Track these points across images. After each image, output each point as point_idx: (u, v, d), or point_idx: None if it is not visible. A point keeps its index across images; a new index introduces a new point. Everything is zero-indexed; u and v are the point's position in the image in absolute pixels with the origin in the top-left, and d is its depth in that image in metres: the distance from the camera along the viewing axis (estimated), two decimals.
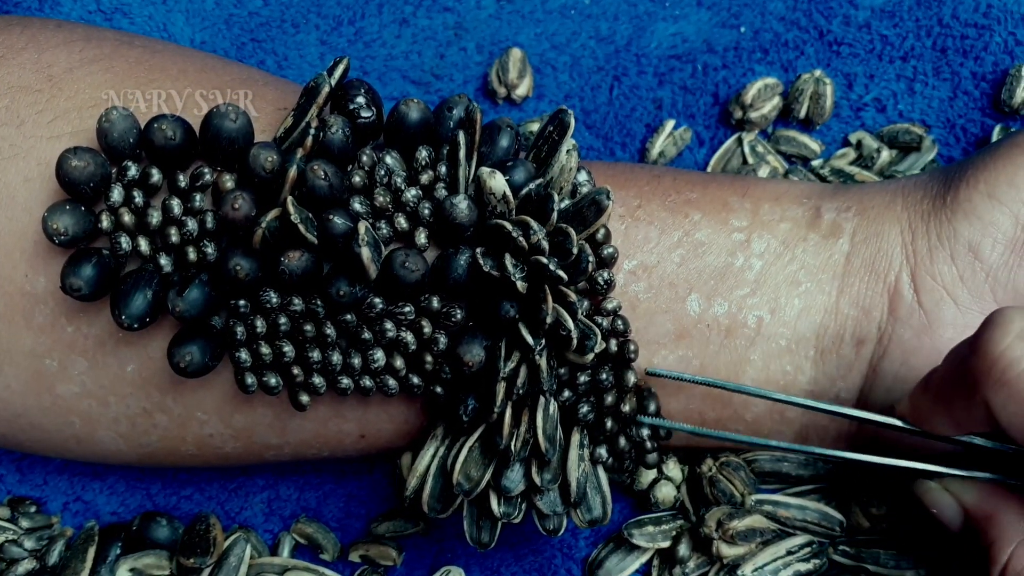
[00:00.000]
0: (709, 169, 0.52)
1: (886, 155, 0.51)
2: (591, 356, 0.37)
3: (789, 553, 0.43)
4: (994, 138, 0.50)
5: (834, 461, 0.39)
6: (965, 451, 0.39)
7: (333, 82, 0.38)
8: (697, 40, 0.54)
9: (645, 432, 0.40)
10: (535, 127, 0.53)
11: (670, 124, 0.53)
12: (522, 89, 0.54)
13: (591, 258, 0.36)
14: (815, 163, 0.52)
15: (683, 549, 0.43)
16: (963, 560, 0.42)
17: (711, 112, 0.54)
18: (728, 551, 0.42)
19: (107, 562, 0.45)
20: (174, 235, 0.36)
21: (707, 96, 0.54)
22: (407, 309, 0.37)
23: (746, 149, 0.52)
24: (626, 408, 0.39)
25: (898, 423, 0.38)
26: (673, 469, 0.45)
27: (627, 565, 0.45)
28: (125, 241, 0.36)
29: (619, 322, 0.38)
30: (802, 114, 0.52)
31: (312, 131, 0.36)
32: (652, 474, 0.44)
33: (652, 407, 0.40)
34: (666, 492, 0.44)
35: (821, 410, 0.39)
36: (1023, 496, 0.37)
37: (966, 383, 0.34)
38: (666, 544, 0.44)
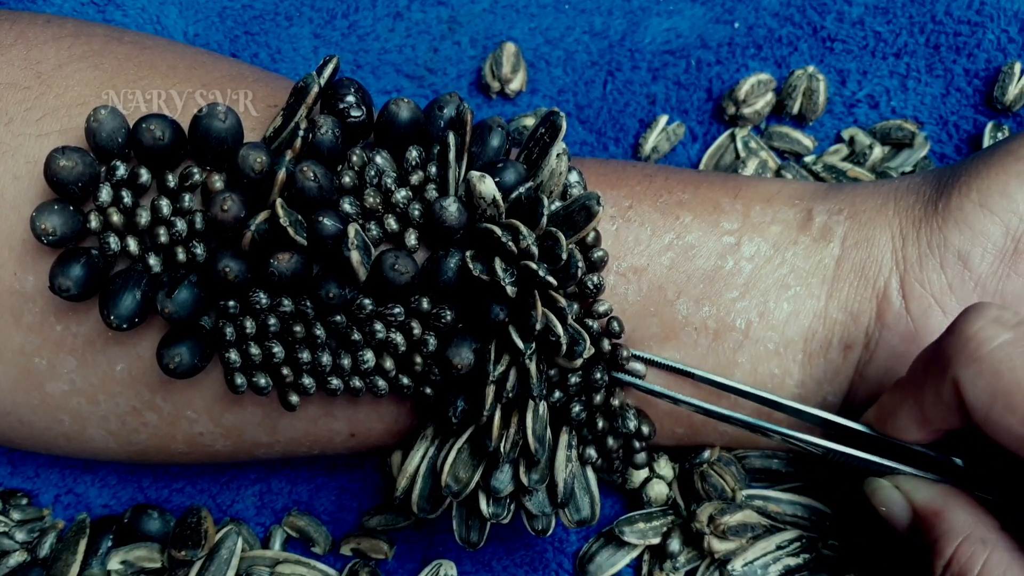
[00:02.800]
0: (702, 165, 0.52)
1: (878, 151, 0.51)
2: (580, 361, 0.37)
3: (779, 548, 0.43)
4: (986, 135, 0.50)
5: (808, 448, 0.39)
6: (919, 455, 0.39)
7: (322, 81, 0.38)
8: (691, 35, 0.54)
9: (632, 425, 0.40)
10: (529, 122, 0.53)
11: (663, 119, 0.53)
12: (516, 84, 0.54)
13: (580, 263, 0.36)
14: (808, 159, 0.52)
15: (674, 544, 0.43)
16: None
17: (704, 108, 0.53)
18: (719, 546, 0.42)
19: (98, 554, 0.45)
20: (163, 235, 0.36)
21: (700, 92, 0.53)
22: (397, 310, 0.37)
23: (739, 145, 0.52)
24: (616, 402, 0.39)
25: (862, 428, 0.39)
26: (664, 467, 0.45)
27: (618, 560, 0.45)
28: (114, 241, 0.36)
29: (615, 324, 0.39)
30: (795, 110, 0.52)
31: (301, 132, 0.36)
32: (644, 473, 0.45)
33: (647, 429, 0.40)
34: (658, 490, 0.44)
35: (788, 409, 0.39)
36: (971, 497, 0.37)
37: (938, 366, 0.35)
38: (656, 540, 0.44)
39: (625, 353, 0.39)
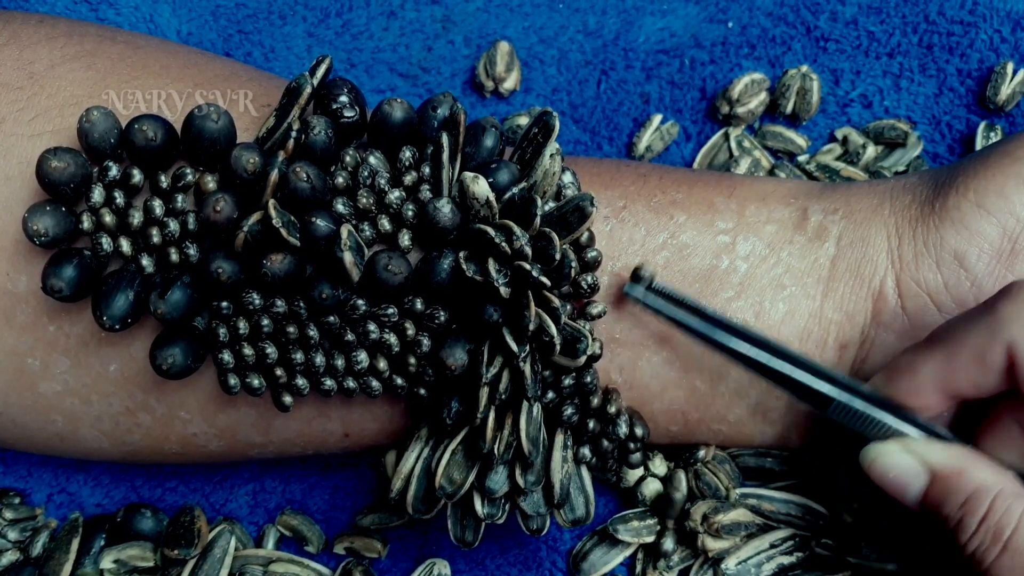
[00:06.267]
0: (696, 164, 0.52)
1: (871, 151, 0.51)
2: (583, 359, 0.37)
3: (772, 546, 0.43)
4: (979, 134, 0.50)
5: (809, 391, 0.38)
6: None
7: (315, 82, 0.38)
8: (685, 35, 0.54)
9: (622, 432, 0.40)
10: (522, 121, 0.53)
11: (657, 119, 0.53)
12: (510, 83, 0.54)
13: (574, 263, 0.36)
14: (801, 158, 0.52)
15: (668, 543, 0.43)
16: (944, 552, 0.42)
17: (698, 107, 0.53)
18: (713, 544, 0.42)
19: (91, 553, 0.45)
20: (156, 236, 0.36)
21: (694, 91, 0.53)
22: (390, 311, 0.37)
23: (733, 144, 0.52)
24: (612, 409, 0.39)
25: (866, 389, 0.38)
26: (659, 466, 0.45)
27: (611, 558, 0.45)
28: (106, 242, 0.36)
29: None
30: (789, 110, 0.52)
31: (294, 133, 0.36)
32: (639, 472, 0.45)
33: (640, 432, 0.40)
34: (653, 489, 0.45)
35: (792, 357, 0.38)
36: (987, 455, 0.36)
37: (988, 327, 0.35)
38: (650, 539, 0.44)
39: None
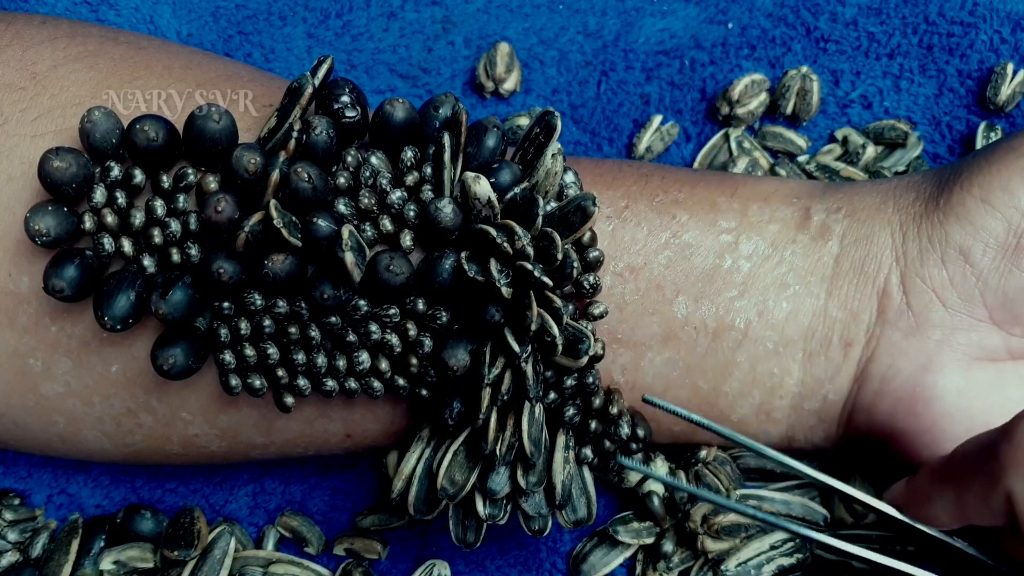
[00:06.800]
0: (696, 165, 0.52)
1: (871, 151, 0.51)
2: (585, 359, 0.37)
3: (772, 548, 0.43)
4: (979, 135, 0.50)
5: (806, 538, 0.39)
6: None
7: (316, 82, 0.38)
8: (685, 36, 0.54)
9: (624, 433, 0.40)
10: (523, 122, 0.53)
11: (657, 119, 0.53)
12: (510, 83, 0.54)
13: (576, 263, 0.36)
14: (801, 159, 0.52)
15: (668, 544, 0.43)
16: (945, 554, 0.42)
17: (698, 108, 0.54)
18: (713, 546, 0.42)
19: (91, 554, 0.45)
20: (157, 236, 0.36)
21: (694, 92, 0.54)
22: (392, 311, 0.37)
23: (733, 145, 0.52)
24: (614, 410, 0.39)
25: (887, 510, 0.38)
26: (661, 467, 0.45)
27: (611, 560, 0.45)
28: (108, 242, 0.36)
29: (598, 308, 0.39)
30: (789, 110, 0.52)
31: (295, 134, 0.36)
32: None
33: (642, 432, 0.40)
34: (654, 490, 0.45)
35: (810, 478, 0.39)
36: None
37: (989, 473, 0.34)
38: (650, 540, 0.44)
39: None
